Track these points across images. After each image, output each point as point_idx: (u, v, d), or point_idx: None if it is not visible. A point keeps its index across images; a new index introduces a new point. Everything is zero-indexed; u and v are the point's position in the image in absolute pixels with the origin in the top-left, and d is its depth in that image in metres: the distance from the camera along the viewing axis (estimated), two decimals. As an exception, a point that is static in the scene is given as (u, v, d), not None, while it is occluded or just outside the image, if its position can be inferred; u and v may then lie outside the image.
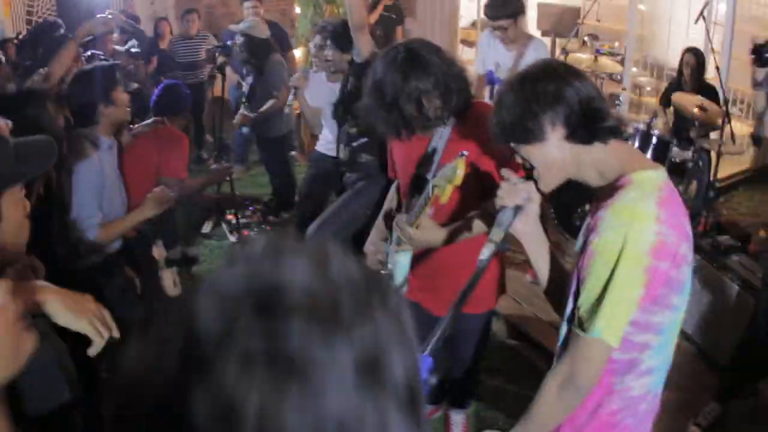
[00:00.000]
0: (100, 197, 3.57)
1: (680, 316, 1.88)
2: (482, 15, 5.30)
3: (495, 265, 3.15)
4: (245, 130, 6.55)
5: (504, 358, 4.64)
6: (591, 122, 1.86)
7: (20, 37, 9.90)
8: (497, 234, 1.97)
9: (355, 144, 4.60)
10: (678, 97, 6.21)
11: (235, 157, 8.19)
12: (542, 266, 2.13)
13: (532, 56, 4.94)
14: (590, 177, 1.97)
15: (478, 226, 2.81)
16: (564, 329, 2.01)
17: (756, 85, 3.06)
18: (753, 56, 3.18)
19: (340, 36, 4.53)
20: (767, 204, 7.16)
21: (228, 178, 5.04)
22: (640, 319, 1.79)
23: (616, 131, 1.89)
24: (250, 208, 7.18)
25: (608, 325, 1.75)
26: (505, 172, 2.05)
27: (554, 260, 2.13)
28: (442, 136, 2.91)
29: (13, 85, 4.82)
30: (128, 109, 3.74)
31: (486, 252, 1.96)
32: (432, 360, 1.57)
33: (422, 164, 2.99)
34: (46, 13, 10.45)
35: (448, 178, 2.47)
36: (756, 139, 2.98)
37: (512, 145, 2.00)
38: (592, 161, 1.92)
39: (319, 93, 5.12)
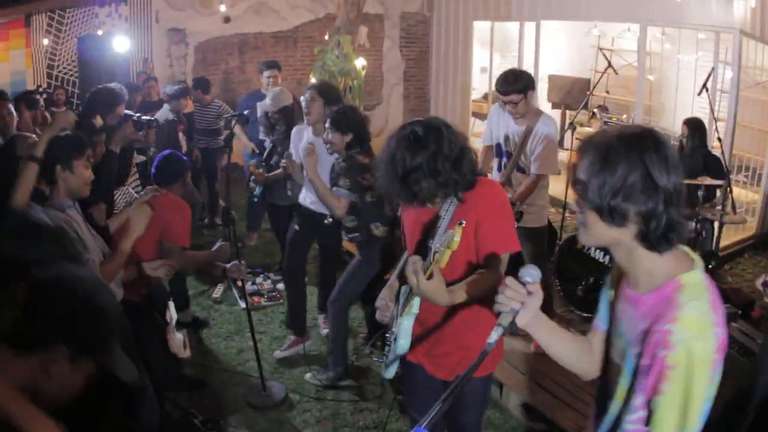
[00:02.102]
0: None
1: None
2: (494, 88, 5.42)
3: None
4: (258, 191, 6.58)
5: (510, 429, 4.68)
6: (667, 232, 1.88)
7: (40, 90, 10.28)
8: (506, 318, 2.02)
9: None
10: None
11: (247, 224, 8.30)
12: (561, 351, 2.25)
13: (541, 131, 5.09)
14: (636, 271, 2.00)
15: (478, 286, 2.92)
16: (619, 419, 2.07)
17: None
18: None
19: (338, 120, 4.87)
20: (773, 270, 7.14)
21: (235, 248, 5.12)
22: None
23: (683, 240, 1.92)
24: (261, 275, 7.25)
25: (693, 428, 1.86)
26: (509, 280, 2.07)
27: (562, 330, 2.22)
28: (448, 209, 3.04)
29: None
30: (86, 184, 3.82)
31: (494, 335, 2.00)
32: None
33: (427, 233, 3.13)
34: (67, 68, 10.78)
35: (447, 244, 2.63)
36: None
37: (579, 203, 2.00)
38: (645, 260, 1.96)
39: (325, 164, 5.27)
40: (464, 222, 2.66)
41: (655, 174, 1.83)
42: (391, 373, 3.33)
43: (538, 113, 5.27)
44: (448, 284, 2.87)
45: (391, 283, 3.45)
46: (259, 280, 7.16)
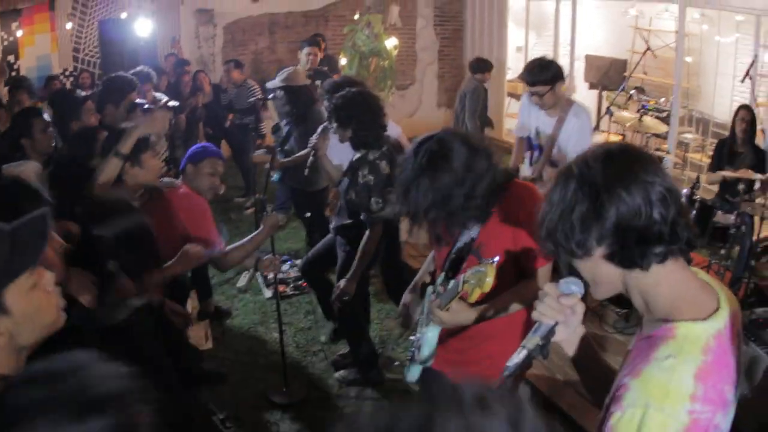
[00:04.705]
0: None
1: None
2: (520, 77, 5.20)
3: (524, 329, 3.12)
4: (275, 177, 6.40)
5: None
6: (632, 245, 1.58)
7: (66, 73, 10.25)
8: (532, 341, 1.80)
9: None
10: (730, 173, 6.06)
11: (275, 206, 8.15)
12: (588, 382, 2.03)
13: (572, 123, 4.85)
14: (637, 303, 1.72)
15: (509, 304, 2.84)
16: None
17: None
18: None
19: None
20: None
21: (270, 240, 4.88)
22: None
23: (664, 258, 1.60)
24: (288, 263, 7.08)
25: None
26: (548, 287, 1.84)
27: (597, 358, 1.99)
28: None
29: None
30: (158, 174, 3.74)
31: (516, 358, 1.79)
32: None
33: (460, 244, 2.94)
34: (92, 51, 10.73)
35: (479, 282, 2.43)
36: None
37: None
38: (637, 287, 1.67)
39: (340, 149, 4.99)
40: (497, 258, 2.46)
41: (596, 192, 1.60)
42: (414, 375, 3.16)
43: (570, 103, 5.01)
44: (487, 296, 2.68)
45: (416, 281, 3.31)
46: (285, 267, 6.93)
